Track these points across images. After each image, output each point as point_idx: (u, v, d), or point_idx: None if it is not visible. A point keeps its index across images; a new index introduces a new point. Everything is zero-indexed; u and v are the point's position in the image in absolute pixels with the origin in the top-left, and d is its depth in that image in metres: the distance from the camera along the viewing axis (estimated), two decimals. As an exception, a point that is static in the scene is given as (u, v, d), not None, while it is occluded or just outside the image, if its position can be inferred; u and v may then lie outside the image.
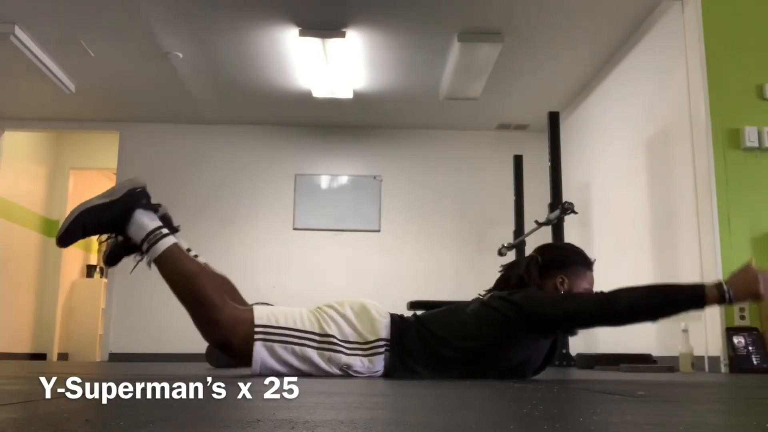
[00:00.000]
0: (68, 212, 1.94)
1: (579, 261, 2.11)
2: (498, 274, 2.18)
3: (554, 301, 1.96)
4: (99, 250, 7.87)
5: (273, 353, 1.90)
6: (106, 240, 2.02)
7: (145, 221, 1.93)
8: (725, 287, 1.76)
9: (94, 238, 2.03)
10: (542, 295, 2.00)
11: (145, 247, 1.91)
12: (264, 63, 5.03)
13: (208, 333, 1.93)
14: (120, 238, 1.99)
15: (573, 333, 2.07)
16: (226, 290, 2.02)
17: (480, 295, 2.12)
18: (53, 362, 6.12)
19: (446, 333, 1.99)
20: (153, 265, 1.94)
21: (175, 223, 2.09)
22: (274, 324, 1.92)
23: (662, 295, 1.84)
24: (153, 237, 1.91)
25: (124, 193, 1.93)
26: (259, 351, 1.89)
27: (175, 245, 1.93)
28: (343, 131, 6.44)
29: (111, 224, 1.93)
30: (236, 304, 1.98)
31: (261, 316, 1.93)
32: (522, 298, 1.96)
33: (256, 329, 1.90)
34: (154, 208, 1.98)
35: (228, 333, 1.90)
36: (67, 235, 1.91)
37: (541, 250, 2.15)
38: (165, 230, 1.94)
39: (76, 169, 7.16)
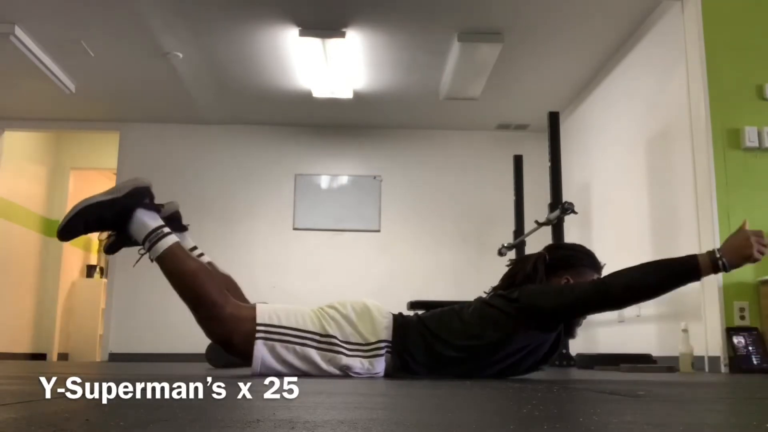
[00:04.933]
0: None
1: (587, 263, 2.10)
2: (504, 271, 2.17)
3: (553, 293, 1.95)
4: (99, 250, 7.87)
5: (273, 352, 1.90)
6: (107, 238, 2.01)
7: (147, 220, 1.92)
8: (718, 254, 1.76)
9: (95, 239, 2.04)
10: (540, 288, 2.00)
11: (146, 246, 1.91)
12: (264, 63, 5.03)
13: (210, 330, 1.93)
14: (121, 236, 1.98)
15: (573, 334, 2.06)
16: (229, 289, 2.02)
17: (485, 293, 2.12)
18: (53, 362, 6.12)
19: (448, 333, 1.99)
20: (155, 264, 1.94)
21: (185, 222, 2.10)
22: (276, 323, 1.92)
23: (656, 272, 1.84)
24: (154, 236, 1.91)
25: (127, 192, 1.93)
26: (260, 350, 1.89)
27: (177, 244, 1.93)
28: (343, 131, 6.44)
29: (112, 222, 1.93)
30: (239, 302, 1.99)
31: (263, 314, 1.93)
32: (521, 294, 1.96)
33: (258, 327, 1.90)
34: (157, 208, 1.98)
35: (230, 330, 1.91)
36: (68, 230, 1.91)
37: (550, 248, 2.15)
38: (166, 229, 1.94)
39: (76, 169, 7.16)
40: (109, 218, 1.92)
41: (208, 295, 1.89)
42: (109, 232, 1.99)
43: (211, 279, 1.94)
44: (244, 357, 1.93)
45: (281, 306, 2.00)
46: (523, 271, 2.07)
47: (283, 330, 1.92)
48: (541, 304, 1.94)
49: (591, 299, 1.88)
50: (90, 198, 1.92)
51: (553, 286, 2.02)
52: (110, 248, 2.03)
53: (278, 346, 1.91)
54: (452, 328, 2.00)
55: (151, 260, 1.94)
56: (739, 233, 1.79)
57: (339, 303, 2.03)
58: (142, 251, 1.96)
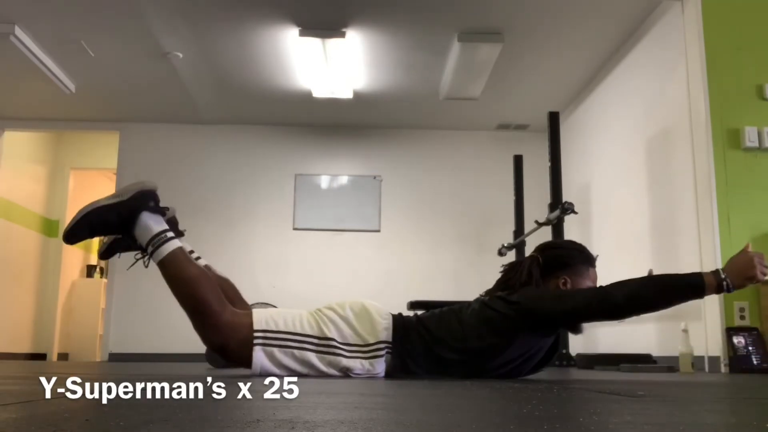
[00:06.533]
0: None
1: (581, 259, 2.09)
2: (498, 275, 2.17)
3: (553, 299, 1.95)
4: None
5: (272, 358, 1.90)
6: (111, 241, 2.01)
7: (151, 224, 1.92)
8: (722, 275, 1.78)
9: (96, 240, 2.04)
10: (541, 293, 1.99)
11: (149, 249, 1.91)
12: (264, 63, 5.03)
13: (206, 337, 1.93)
14: (124, 239, 1.98)
15: (578, 331, 2.05)
16: (227, 292, 2.02)
17: (481, 296, 2.11)
18: (53, 362, 6.12)
19: (446, 334, 1.98)
20: (154, 265, 1.94)
21: (181, 227, 2.11)
22: (274, 328, 1.92)
23: (660, 285, 1.84)
24: (158, 240, 1.91)
25: (132, 195, 1.92)
26: (259, 356, 1.89)
27: (180, 249, 1.93)
28: (343, 131, 6.44)
29: (117, 225, 1.93)
30: (236, 309, 1.98)
31: (260, 320, 1.93)
32: (521, 297, 1.96)
33: (256, 334, 1.90)
34: (162, 211, 1.97)
35: (226, 337, 1.90)
36: (73, 234, 1.91)
37: (542, 249, 2.14)
38: (170, 233, 1.93)
39: (76, 169, 7.15)
40: (114, 222, 1.92)
41: (207, 302, 1.89)
42: (114, 236, 1.99)
43: (211, 286, 1.94)
44: (241, 363, 1.93)
45: (277, 310, 2.00)
46: (519, 278, 2.05)
47: (281, 335, 1.92)
48: (540, 308, 1.93)
49: (590, 306, 1.88)
50: (95, 202, 1.92)
51: (553, 291, 2.01)
52: (105, 253, 2.04)
53: (277, 351, 1.91)
54: (451, 329, 1.99)
55: (146, 264, 1.95)
56: (741, 255, 1.81)
57: (337, 304, 2.02)
58: (138, 256, 1.97)
